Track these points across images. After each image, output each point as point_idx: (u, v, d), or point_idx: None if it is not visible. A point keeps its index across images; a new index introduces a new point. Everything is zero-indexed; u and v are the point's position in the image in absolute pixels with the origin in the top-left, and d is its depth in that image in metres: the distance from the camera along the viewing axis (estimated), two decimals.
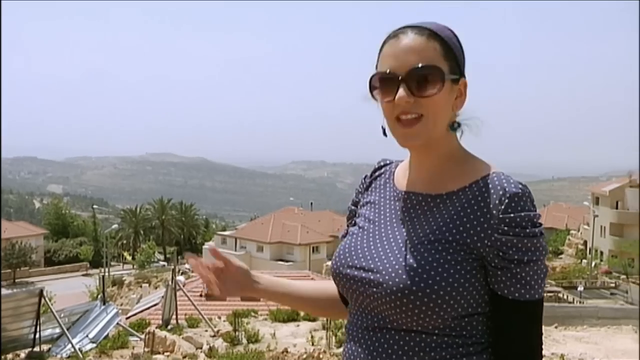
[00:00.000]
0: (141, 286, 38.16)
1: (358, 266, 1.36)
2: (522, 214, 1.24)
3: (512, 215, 1.24)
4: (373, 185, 1.54)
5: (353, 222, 1.53)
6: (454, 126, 1.35)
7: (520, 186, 1.27)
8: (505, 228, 1.24)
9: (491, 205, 1.26)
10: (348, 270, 1.37)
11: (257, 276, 1.59)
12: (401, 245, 1.32)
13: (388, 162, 1.56)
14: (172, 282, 16.11)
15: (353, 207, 1.58)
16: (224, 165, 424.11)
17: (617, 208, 49.88)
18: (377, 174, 1.56)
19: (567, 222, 60.50)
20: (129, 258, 60.31)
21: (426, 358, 1.27)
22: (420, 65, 1.27)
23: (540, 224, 1.27)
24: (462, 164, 1.37)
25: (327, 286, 1.63)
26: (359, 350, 1.35)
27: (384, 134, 1.36)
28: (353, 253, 1.39)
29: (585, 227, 52.27)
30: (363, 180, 1.58)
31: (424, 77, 1.27)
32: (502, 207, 1.25)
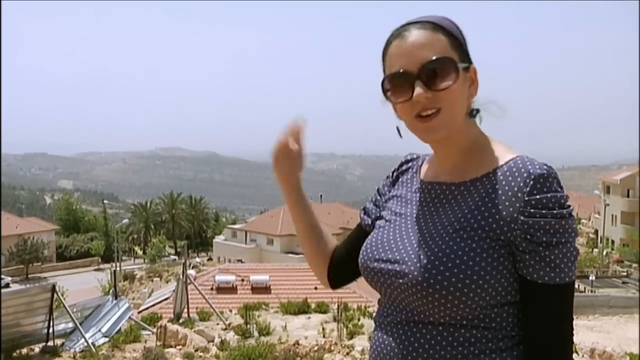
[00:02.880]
0: (152, 280, 38.34)
1: (384, 259, 1.35)
2: (549, 195, 1.22)
3: (537, 196, 1.21)
4: (400, 179, 1.53)
5: (379, 216, 1.52)
6: (473, 113, 1.34)
7: (545, 167, 1.24)
8: (532, 210, 1.22)
9: (516, 189, 1.24)
10: (375, 264, 1.37)
11: (299, 182, 1.71)
12: (426, 235, 1.31)
13: (415, 156, 1.55)
14: (183, 276, 16.18)
15: (378, 197, 1.58)
16: (233, 158, 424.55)
17: (628, 196, 49.61)
18: (404, 167, 1.55)
19: (577, 211, 60.09)
20: (140, 252, 60.50)
21: (454, 352, 1.25)
22: (433, 58, 1.26)
23: (569, 205, 1.23)
24: (484, 150, 1.35)
25: (330, 242, 1.69)
26: (388, 342, 1.34)
27: (400, 135, 1.35)
28: (380, 246, 1.38)
29: (596, 216, 52.09)
30: (390, 175, 1.57)
31: (437, 70, 1.26)
32: (527, 189, 1.22)
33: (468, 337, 1.25)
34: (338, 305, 13.71)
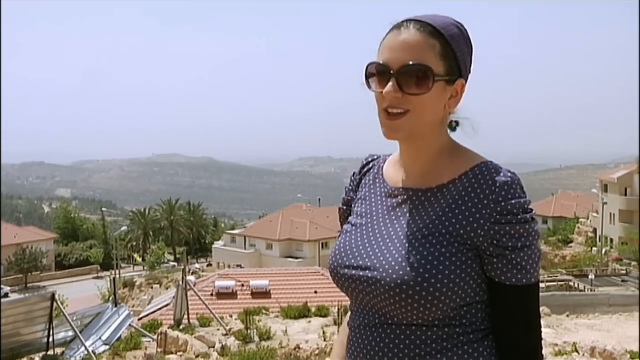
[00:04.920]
0: (152, 287, 38.32)
1: (355, 265, 1.37)
2: (513, 201, 1.27)
3: (503, 203, 1.27)
4: (363, 182, 1.55)
5: (347, 221, 1.53)
6: (453, 126, 1.37)
7: (509, 174, 1.29)
8: (498, 217, 1.27)
9: (482, 196, 1.28)
10: (346, 270, 1.38)
11: None
12: (395, 241, 1.33)
13: (375, 157, 1.57)
14: (182, 282, 16.15)
15: (345, 207, 1.59)
16: (231, 164, 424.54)
17: (626, 195, 49.65)
18: (365, 170, 1.56)
19: (576, 211, 60.23)
20: (139, 260, 60.52)
21: (428, 350, 1.29)
22: (411, 63, 1.27)
23: (531, 210, 1.29)
24: (452, 156, 1.38)
25: None
26: (362, 347, 1.36)
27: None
28: (349, 252, 1.40)
29: (595, 215, 52.07)
30: (353, 178, 1.59)
31: (414, 75, 1.28)
32: (494, 196, 1.27)
33: (441, 335, 1.29)
34: (338, 309, 13.70)
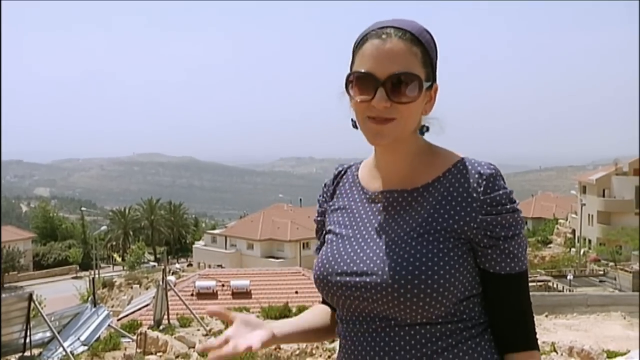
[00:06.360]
0: (132, 287, 38.00)
1: (348, 272, 1.35)
2: (501, 192, 1.31)
3: (491, 195, 1.31)
4: (338, 191, 1.53)
5: (326, 230, 1.51)
6: (423, 130, 1.39)
7: (491, 167, 1.34)
8: (489, 208, 1.30)
9: (470, 189, 1.32)
10: (338, 278, 1.36)
11: (270, 327, 1.48)
12: (390, 243, 1.33)
13: (346, 165, 1.57)
14: (162, 282, 16.07)
15: (320, 218, 1.58)
16: (212, 164, 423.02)
17: (603, 196, 50.24)
18: (338, 179, 1.55)
19: (555, 212, 60.87)
20: (119, 259, 60.00)
21: (434, 348, 1.29)
22: (400, 71, 1.28)
23: (515, 200, 1.33)
24: (430, 156, 1.40)
25: (322, 312, 1.59)
26: (364, 353, 1.33)
27: (355, 127, 1.37)
28: (339, 260, 1.38)
29: (573, 216, 52.67)
30: (325, 189, 1.57)
31: (402, 83, 1.28)
32: (481, 189, 1.31)
33: (444, 332, 1.30)
34: None
